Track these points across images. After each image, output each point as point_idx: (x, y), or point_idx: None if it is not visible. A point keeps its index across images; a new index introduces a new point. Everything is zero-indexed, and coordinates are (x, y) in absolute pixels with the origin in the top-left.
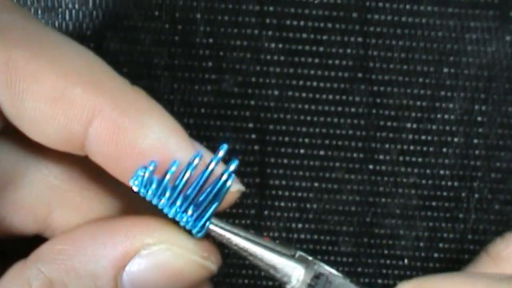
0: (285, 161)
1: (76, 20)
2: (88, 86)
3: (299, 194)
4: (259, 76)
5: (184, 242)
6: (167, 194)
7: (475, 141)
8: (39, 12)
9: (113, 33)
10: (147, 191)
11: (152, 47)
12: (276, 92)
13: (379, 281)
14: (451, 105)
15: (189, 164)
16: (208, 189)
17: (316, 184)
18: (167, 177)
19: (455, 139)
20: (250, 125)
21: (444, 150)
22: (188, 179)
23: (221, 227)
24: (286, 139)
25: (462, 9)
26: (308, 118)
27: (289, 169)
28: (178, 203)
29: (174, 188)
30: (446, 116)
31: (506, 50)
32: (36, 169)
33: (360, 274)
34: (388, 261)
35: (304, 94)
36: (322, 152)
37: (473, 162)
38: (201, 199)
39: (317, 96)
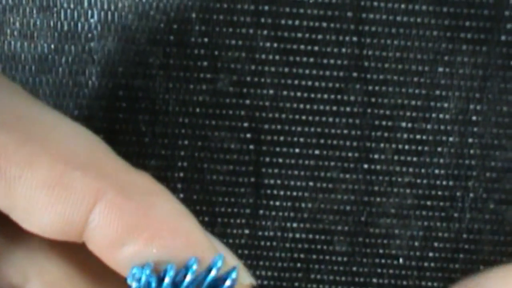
0: (280, 160)
1: (71, 20)
2: (88, 168)
3: (294, 194)
4: (254, 75)
5: None
6: None
7: (470, 140)
8: (34, 11)
9: (108, 32)
10: None
11: (147, 46)
12: (271, 92)
13: (374, 280)
14: (446, 105)
15: (188, 268)
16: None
17: (311, 184)
18: (166, 280)
19: (450, 139)
20: (245, 124)
21: (439, 149)
22: (188, 283)
23: None
24: (281, 138)
25: (457, 9)
26: (303, 117)
27: (284, 169)
28: None
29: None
30: (441, 116)
31: (501, 50)
32: (15, 238)
33: (355, 274)
34: (383, 261)
35: (299, 94)
36: (317, 152)
37: (468, 162)
38: None
39: (312, 95)
